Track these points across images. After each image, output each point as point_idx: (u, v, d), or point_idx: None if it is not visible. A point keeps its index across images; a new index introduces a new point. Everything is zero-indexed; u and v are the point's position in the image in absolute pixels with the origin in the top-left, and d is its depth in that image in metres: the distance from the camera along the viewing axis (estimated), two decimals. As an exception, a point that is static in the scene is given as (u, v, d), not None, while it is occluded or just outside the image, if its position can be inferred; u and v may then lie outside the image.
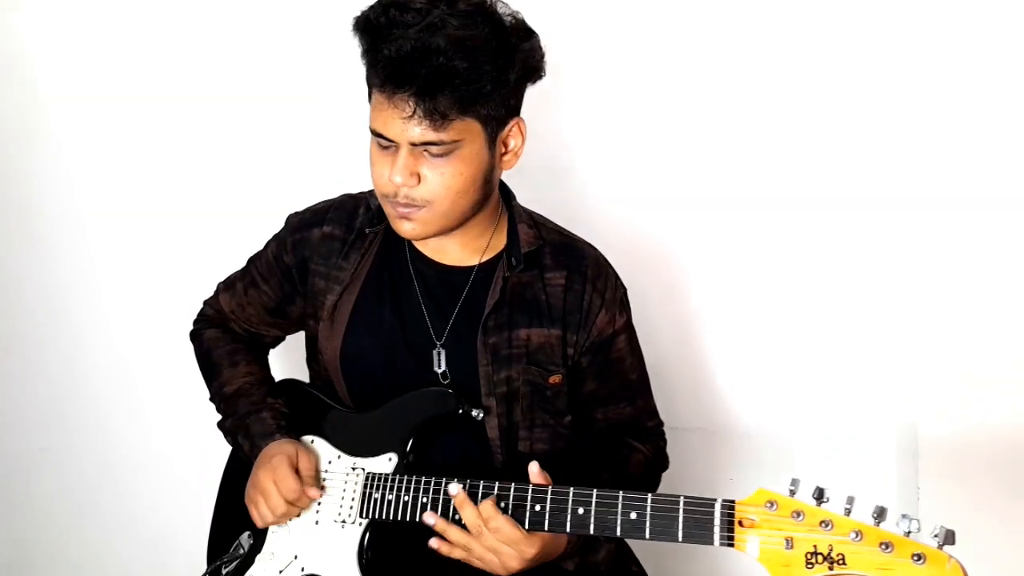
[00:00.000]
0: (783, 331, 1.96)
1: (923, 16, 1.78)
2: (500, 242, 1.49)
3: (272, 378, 1.67)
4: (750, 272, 1.96)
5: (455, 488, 1.32)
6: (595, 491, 1.26)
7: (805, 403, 1.92)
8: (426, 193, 1.35)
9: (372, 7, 1.33)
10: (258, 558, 1.51)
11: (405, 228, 1.40)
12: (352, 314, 1.52)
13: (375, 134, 1.36)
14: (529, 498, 1.30)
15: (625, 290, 1.54)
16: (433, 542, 1.34)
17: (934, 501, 1.78)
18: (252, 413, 1.55)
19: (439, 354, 1.47)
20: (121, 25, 2.13)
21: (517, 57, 1.33)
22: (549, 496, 1.29)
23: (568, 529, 1.27)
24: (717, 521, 1.15)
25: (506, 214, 1.51)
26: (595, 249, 1.54)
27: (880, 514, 1.06)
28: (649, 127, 1.96)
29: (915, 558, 1.02)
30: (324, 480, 1.49)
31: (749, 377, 1.97)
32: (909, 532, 1.04)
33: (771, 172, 1.93)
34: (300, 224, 1.58)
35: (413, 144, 1.32)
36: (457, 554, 1.33)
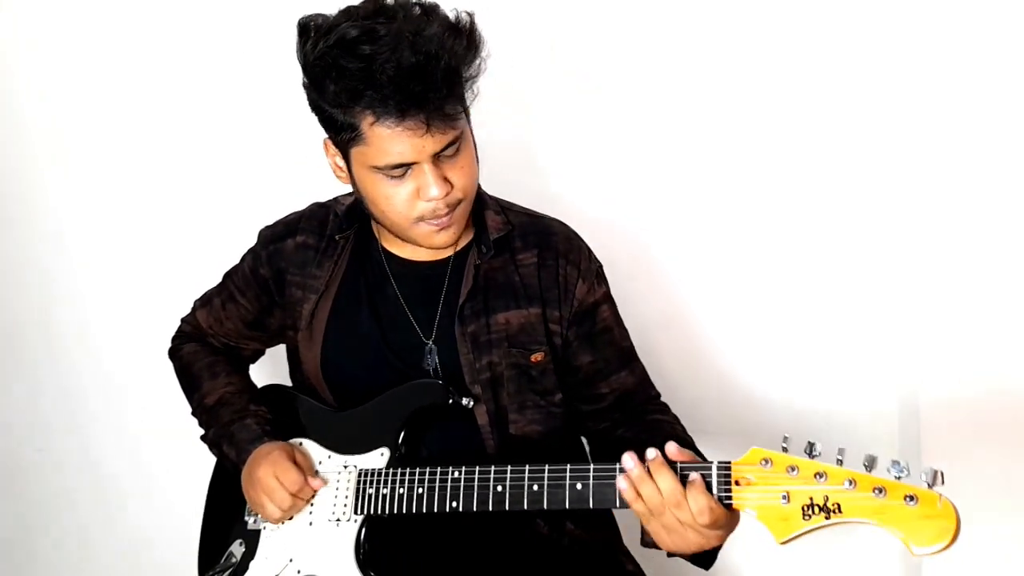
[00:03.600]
0: (775, 315, 1.95)
1: (923, 16, 1.79)
2: (470, 231, 1.51)
3: (254, 386, 1.67)
4: (739, 262, 1.96)
5: (652, 452, 1.20)
6: (592, 465, 1.27)
7: (803, 386, 1.93)
8: (458, 193, 1.36)
9: (326, 55, 1.27)
10: (252, 564, 1.50)
11: (444, 237, 1.40)
12: (329, 321, 1.52)
13: (385, 168, 1.31)
14: (527, 477, 1.30)
15: (600, 264, 1.55)
16: (622, 483, 1.20)
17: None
18: (236, 421, 1.55)
19: (431, 351, 1.48)
20: (105, 32, 2.14)
21: (474, 35, 1.31)
22: (546, 474, 1.29)
23: (567, 505, 1.27)
24: (715, 483, 1.17)
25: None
26: (565, 225, 1.55)
27: (871, 463, 1.10)
28: (632, 121, 1.97)
29: (908, 499, 1.06)
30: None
31: (745, 371, 1.97)
32: (900, 477, 1.08)
33: (755, 161, 1.93)
34: (273, 236, 1.58)
35: (433, 155, 1.31)
36: (638, 507, 1.20)
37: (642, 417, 1.51)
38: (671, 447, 1.21)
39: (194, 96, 2.12)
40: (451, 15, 1.31)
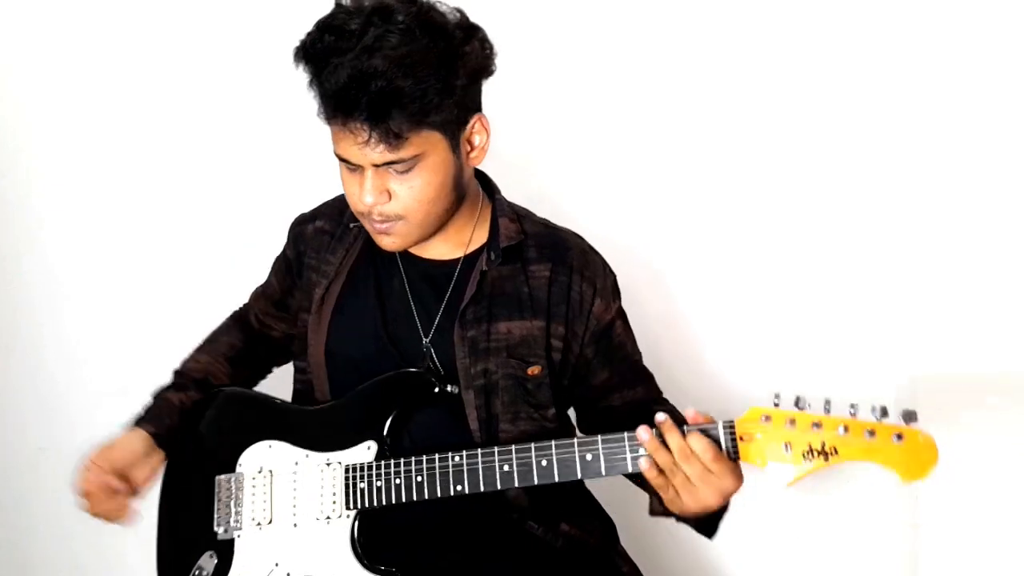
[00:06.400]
0: (774, 316, 2.02)
1: (923, 16, 1.85)
2: (483, 235, 1.51)
3: (216, 377, 1.64)
4: (739, 258, 2.01)
5: (662, 416, 1.28)
6: (599, 436, 1.34)
7: (802, 381, 1.91)
8: (398, 208, 1.37)
9: (308, 34, 1.32)
10: (232, 574, 1.46)
11: (385, 242, 1.43)
12: (336, 308, 1.53)
13: (338, 157, 1.37)
14: (533, 453, 1.35)
15: (615, 276, 1.56)
16: (643, 463, 1.29)
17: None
18: (157, 394, 1.60)
19: (428, 349, 1.48)
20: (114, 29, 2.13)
21: (461, 62, 1.31)
22: (554, 447, 1.35)
23: (579, 475, 1.34)
24: (723, 440, 1.29)
25: (489, 206, 1.53)
26: (580, 238, 1.55)
27: (855, 409, 1.27)
28: (634, 121, 2.02)
29: (895, 438, 1.23)
30: (294, 482, 1.48)
31: (742, 368, 2.03)
32: (880, 419, 1.26)
33: (754, 155, 1.98)
34: (300, 219, 1.64)
35: (376, 165, 1.33)
36: (653, 476, 1.29)
37: (648, 409, 1.54)
38: (688, 412, 1.30)
39: (192, 99, 2.13)
40: (451, 30, 1.31)
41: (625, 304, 1.58)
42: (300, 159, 2.07)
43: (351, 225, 1.55)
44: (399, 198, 1.36)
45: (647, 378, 1.59)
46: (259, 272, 1.97)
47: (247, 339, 1.70)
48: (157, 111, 2.17)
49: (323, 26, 1.31)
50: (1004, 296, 1.92)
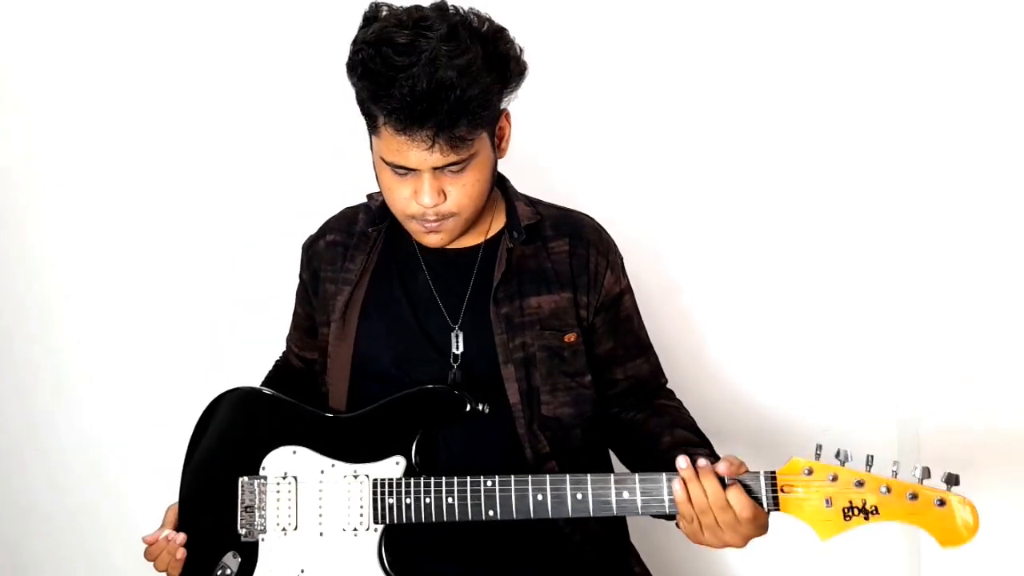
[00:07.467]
0: (781, 329, 2.02)
1: (923, 16, 1.84)
2: (500, 221, 1.57)
3: None
4: (746, 270, 2.01)
5: (704, 461, 1.29)
6: (637, 475, 1.34)
7: (805, 401, 2.01)
8: (452, 206, 1.43)
9: (360, 50, 1.34)
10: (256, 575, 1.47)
11: (432, 240, 1.48)
12: (363, 310, 1.55)
13: (391, 165, 1.39)
14: (568, 485, 1.36)
15: (623, 258, 1.62)
16: (676, 486, 1.30)
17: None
18: None
19: (456, 336, 1.51)
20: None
21: (510, 66, 1.39)
22: (589, 481, 1.35)
23: (615, 512, 1.35)
24: (763, 490, 1.30)
25: (502, 196, 1.59)
26: (592, 219, 1.62)
27: (897, 468, 1.27)
28: (641, 123, 2.00)
29: (937, 503, 1.24)
30: (320, 491, 1.47)
31: (748, 377, 2.04)
32: (922, 480, 1.26)
33: (766, 168, 1.97)
34: (310, 241, 1.66)
35: (435, 168, 1.38)
36: (686, 509, 1.31)
37: (651, 401, 1.60)
38: (721, 465, 1.31)
39: (192, 100, 2.11)
40: (498, 44, 1.37)
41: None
42: (300, 160, 2.07)
43: (369, 229, 1.58)
44: (453, 197, 1.42)
45: (652, 355, 1.65)
46: (259, 272, 1.98)
47: (296, 381, 1.69)
48: (157, 112, 2.14)
49: (375, 41, 1.33)
50: (1012, 332, 1.92)
